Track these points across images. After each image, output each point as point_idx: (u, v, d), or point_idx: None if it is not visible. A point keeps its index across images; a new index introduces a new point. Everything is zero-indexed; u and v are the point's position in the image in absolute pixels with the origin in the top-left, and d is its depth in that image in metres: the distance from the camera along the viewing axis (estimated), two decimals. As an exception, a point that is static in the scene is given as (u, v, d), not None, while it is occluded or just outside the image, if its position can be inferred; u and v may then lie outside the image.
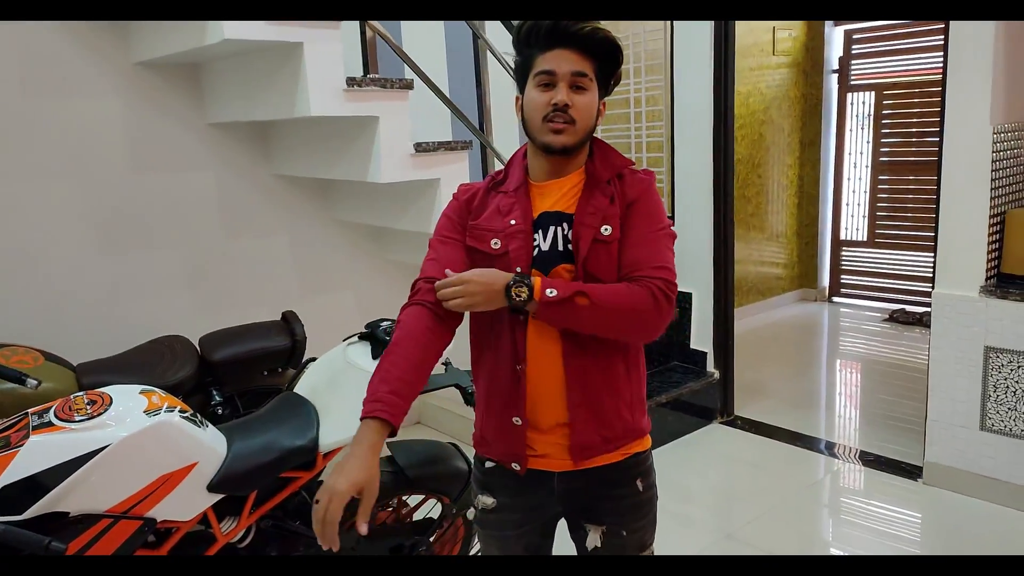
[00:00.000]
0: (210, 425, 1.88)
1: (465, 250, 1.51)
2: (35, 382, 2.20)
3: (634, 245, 1.42)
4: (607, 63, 1.42)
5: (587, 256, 1.41)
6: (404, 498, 2.29)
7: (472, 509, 1.71)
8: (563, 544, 1.64)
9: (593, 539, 1.54)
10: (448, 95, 2.94)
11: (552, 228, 1.44)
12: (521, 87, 1.47)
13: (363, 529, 1.31)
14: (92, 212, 2.94)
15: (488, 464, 1.57)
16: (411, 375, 1.40)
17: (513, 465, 1.51)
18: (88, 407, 1.68)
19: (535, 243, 1.44)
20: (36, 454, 1.57)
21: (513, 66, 1.50)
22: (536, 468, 1.50)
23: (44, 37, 2.75)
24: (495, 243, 1.46)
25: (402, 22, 3.72)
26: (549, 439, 1.48)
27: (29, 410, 1.69)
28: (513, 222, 1.45)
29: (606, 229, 1.42)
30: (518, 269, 1.42)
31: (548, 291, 1.35)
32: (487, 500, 1.58)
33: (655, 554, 1.62)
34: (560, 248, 1.43)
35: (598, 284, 1.39)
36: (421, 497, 2.29)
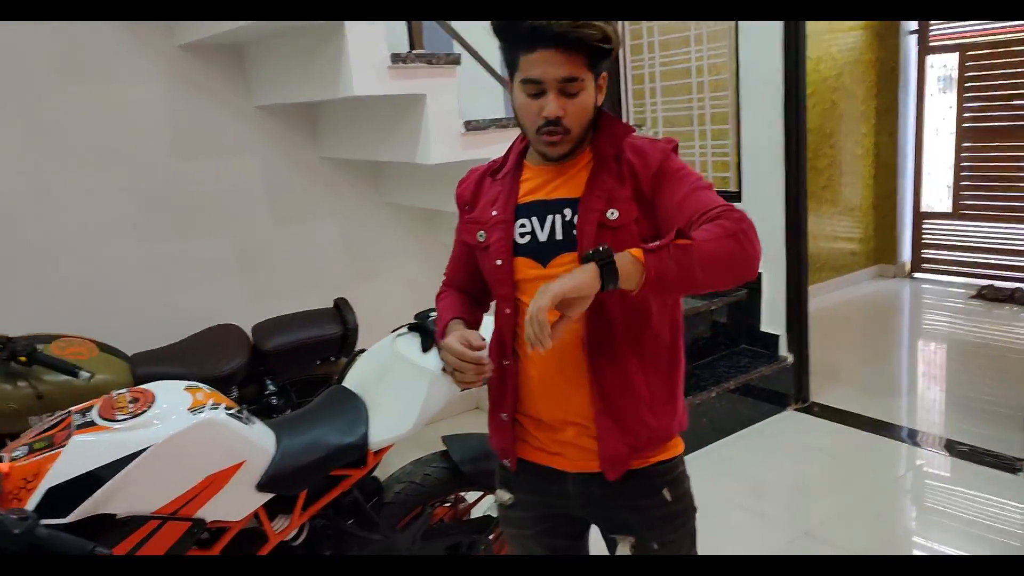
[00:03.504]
0: (257, 421, 1.81)
1: (467, 247, 1.49)
2: (88, 374, 2.20)
3: (682, 202, 1.27)
4: (598, 51, 1.26)
5: (593, 240, 1.28)
6: (462, 494, 2.20)
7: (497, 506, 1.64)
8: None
9: (622, 551, 1.43)
10: (498, 69, 2.80)
11: (550, 216, 1.34)
12: (510, 74, 1.33)
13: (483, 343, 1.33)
14: (141, 200, 2.93)
15: (506, 460, 1.51)
16: (462, 309, 1.51)
17: (504, 461, 1.49)
18: (131, 405, 1.63)
19: (528, 231, 1.36)
20: (79, 455, 1.53)
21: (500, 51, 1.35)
22: (549, 466, 1.42)
23: (86, 22, 2.72)
24: (480, 235, 1.42)
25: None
26: (560, 437, 1.39)
27: (72, 408, 1.65)
28: (495, 212, 1.39)
29: (612, 213, 1.29)
30: (498, 261, 1.37)
31: (648, 245, 1.18)
32: (504, 496, 1.53)
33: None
34: (560, 236, 1.33)
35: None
36: (479, 494, 2.19)
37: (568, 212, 1.33)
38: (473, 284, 1.56)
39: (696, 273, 1.17)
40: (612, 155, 1.33)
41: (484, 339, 1.33)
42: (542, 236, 1.34)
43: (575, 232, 1.31)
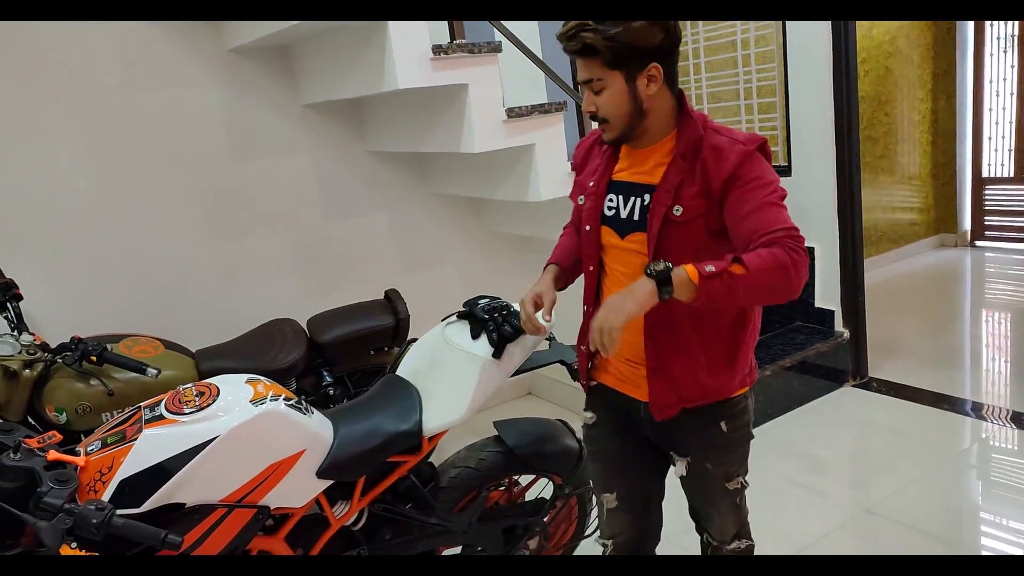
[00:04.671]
0: (315, 411, 1.87)
1: None
2: (155, 371, 2.29)
3: (747, 216, 1.38)
4: (609, 52, 1.39)
5: (659, 232, 1.46)
6: (516, 478, 2.23)
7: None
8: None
9: (679, 469, 1.66)
10: (541, 55, 2.80)
11: (633, 198, 1.53)
12: None
13: (548, 318, 1.69)
14: (199, 200, 3.02)
15: (592, 383, 1.73)
16: (570, 252, 1.77)
17: (584, 382, 1.75)
18: (197, 399, 1.69)
19: (614, 206, 1.56)
20: (150, 447, 1.59)
21: None
22: (627, 394, 1.63)
23: (140, 31, 2.82)
24: (580, 199, 1.64)
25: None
26: (638, 372, 1.58)
27: (142, 404, 1.72)
28: (592, 184, 1.60)
29: (677, 210, 1.44)
30: (587, 227, 1.60)
31: (707, 268, 1.31)
32: (587, 415, 1.76)
33: (746, 484, 1.68)
34: (636, 217, 1.51)
35: (743, 253, 1.35)
36: (532, 477, 2.22)
37: (647, 197, 1.49)
38: None
39: (741, 298, 1.34)
40: (687, 151, 1.45)
41: (551, 314, 1.67)
42: (624, 213, 1.54)
43: (648, 216, 1.48)
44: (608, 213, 1.56)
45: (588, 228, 1.60)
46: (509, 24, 2.67)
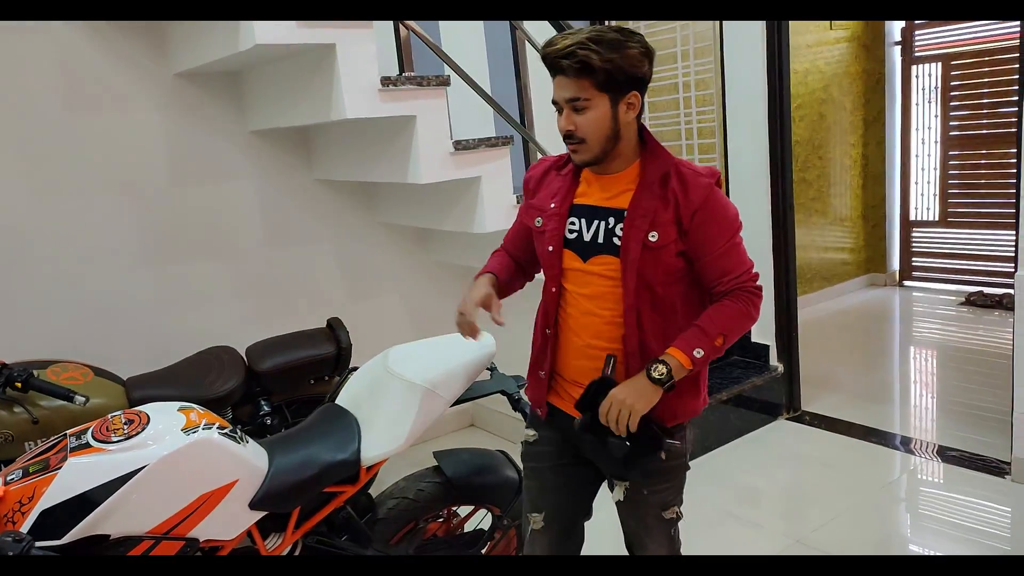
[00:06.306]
0: (251, 441, 1.84)
1: (525, 226, 1.73)
2: (83, 399, 2.22)
3: (718, 258, 1.53)
4: (604, 74, 1.44)
5: (638, 259, 1.50)
6: (455, 509, 2.21)
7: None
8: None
9: (617, 494, 1.70)
10: (490, 91, 2.84)
11: (596, 221, 1.56)
12: None
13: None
14: (138, 226, 2.96)
15: (537, 409, 1.74)
16: (505, 270, 1.76)
17: (537, 410, 1.73)
18: (125, 427, 1.65)
19: (576, 229, 1.58)
20: (74, 476, 1.55)
21: None
22: (573, 415, 1.63)
23: (82, 52, 2.77)
24: (538, 221, 1.65)
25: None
26: (576, 391, 1.61)
27: (68, 431, 1.67)
28: (553, 205, 1.62)
29: (653, 236, 1.50)
30: (550, 248, 1.60)
31: (696, 352, 1.49)
32: (529, 433, 1.77)
33: (681, 515, 1.73)
34: (601, 240, 1.55)
35: (717, 315, 1.53)
36: (471, 508, 2.21)
37: (611, 220, 1.54)
38: (522, 254, 1.80)
39: (720, 353, 1.55)
40: (656, 179, 1.52)
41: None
42: (587, 236, 1.57)
43: (615, 240, 1.53)
44: (570, 236, 1.59)
45: (551, 249, 1.60)
46: (457, 59, 2.71)
